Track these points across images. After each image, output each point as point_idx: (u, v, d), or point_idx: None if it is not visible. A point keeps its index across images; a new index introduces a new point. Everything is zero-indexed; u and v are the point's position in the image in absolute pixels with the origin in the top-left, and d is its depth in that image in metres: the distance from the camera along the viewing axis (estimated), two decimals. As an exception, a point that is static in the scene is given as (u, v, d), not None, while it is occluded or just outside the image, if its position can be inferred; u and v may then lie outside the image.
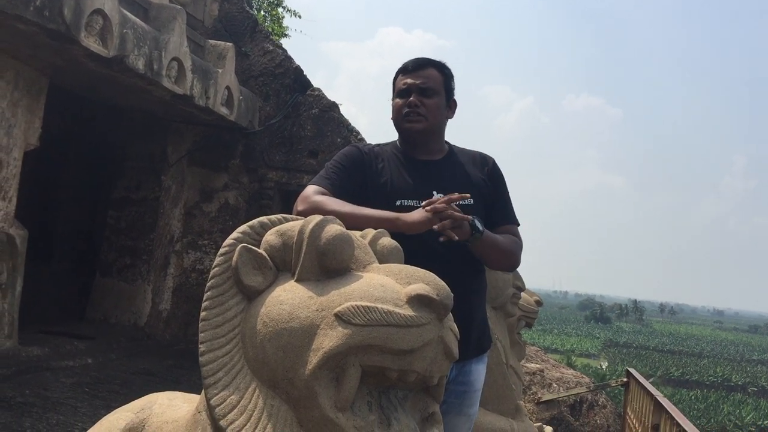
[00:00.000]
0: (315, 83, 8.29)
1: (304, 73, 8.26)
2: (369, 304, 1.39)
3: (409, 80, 2.30)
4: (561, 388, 6.97)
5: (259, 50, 8.24)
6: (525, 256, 2.39)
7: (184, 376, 6.24)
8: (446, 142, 2.42)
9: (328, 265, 1.51)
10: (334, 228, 1.53)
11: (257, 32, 8.35)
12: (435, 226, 1.98)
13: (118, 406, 1.87)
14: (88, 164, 8.52)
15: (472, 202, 2.20)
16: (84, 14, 4.91)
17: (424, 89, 2.28)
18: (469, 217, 2.06)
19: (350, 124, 7.97)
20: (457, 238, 2.00)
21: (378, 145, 2.40)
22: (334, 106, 8.02)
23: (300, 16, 14.16)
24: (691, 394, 40.66)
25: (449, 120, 2.40)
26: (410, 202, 2.18)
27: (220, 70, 7.10)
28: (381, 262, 1.61)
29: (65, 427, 4.38)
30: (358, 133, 7.92)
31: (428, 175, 2.27)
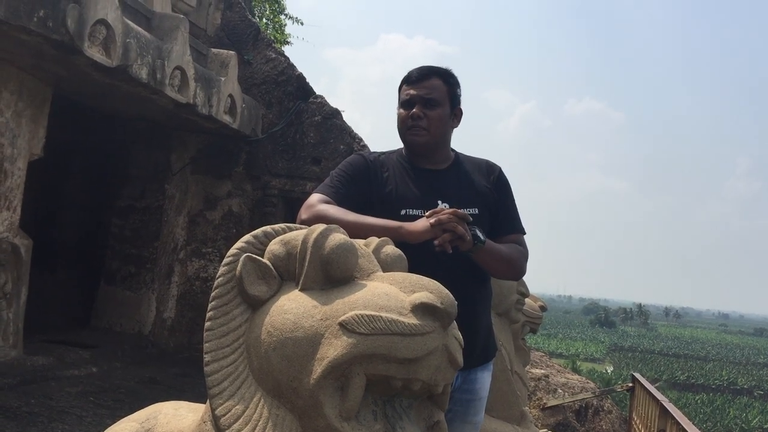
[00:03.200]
0: (317, 90, 8.32)
1: (307, 80, 8.28)
2: (373, 312, 1.39)
3: (412, 91, 2.29)
4: (566, 394, 6.95)
5: (262, 58, 8.27)
6: (529, 261, 2.37)
7: (188, 384, 6.24)
8: (452, 149, 2.42)
9: (332, 274, 1.51)
10: (338, 237, 1.54)
11: (259, 40, 8.38)
12: (435, 241, 1.98)
13: (123, 415, 1.87)
14: (91, 173, 8.55)
15: (477, 211, 2.20)
16: (87, 24, 4.93)
17: (428, 100, 2.26)
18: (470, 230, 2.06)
19: (353, 130, 7.99)
20: (450, 251, 2.00)
21: (383, 153, 2.39)
22: (336, 113, 8.04)
23: (302, 23, 14.16)
24: (697, 397, 40.52)
25: (456, 128, 2.40)
26: (415, 212, 2.17)
27: (222, 79, 7.12)
28: (385, 270, 1.61)
29: (70, 437, 4.39)
30: (360, 139, 7.93)
31: (433, 185, 2.27)
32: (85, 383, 5.77)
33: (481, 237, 2.09)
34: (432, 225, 1.98)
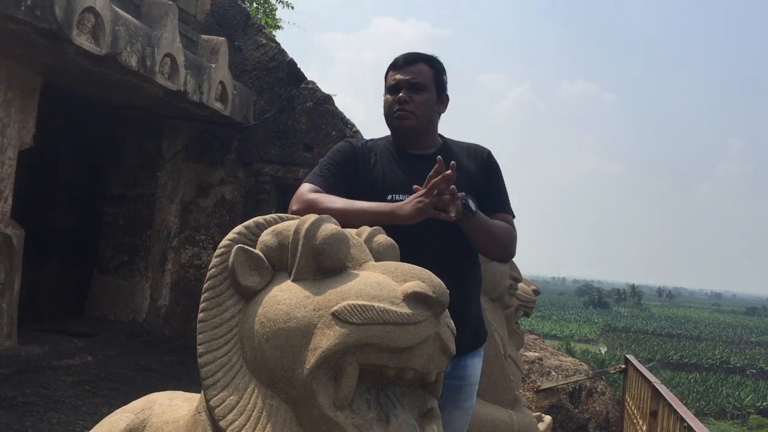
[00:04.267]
0: (309, 75, 8.27)
1: (298, 65, 8.24)
2: (365, 302, 1.40)
3: (398, 76, 2.30)
4: (560, 376, 7.00)
5: (252, 44, 8.22)
6: (522, 243, 2.36)
7: (184, 372, 6.25)
8: (440, 135, 2.42)
9: (324, 264, 1.51)
10: (330, 227, 1.54)
11: (250, 26, 8.32)
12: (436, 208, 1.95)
13: (119, 404, 1.88)
14: (83, 162, 8.50)
15: (463, 194, 2.20)
16: (75, 12, 4.89)
17: (414, 85, 2.28)
18: (462, 194, 2.02)
19: (345, 116, 7.96)
20: (454, 216, 1.98)
21: (372, 139, 2.41)
22: (328, 99, 8.01)
23: (293, 7, 14.05)
24: (690, 377, 40.88)
25: (442, 114, 2.40)
26: (401, 197, 2.17)
27: (213, 65, 7.07)
28: (377, 259, 1.62)
29: (66, 426, 4.39)
30: (353, 125, 7.91)
31: (420, 170, 2.26)
32: (80, 372, 5.77)
33: (473, 207, 2.05)
34: (420, 204, 1.96)
